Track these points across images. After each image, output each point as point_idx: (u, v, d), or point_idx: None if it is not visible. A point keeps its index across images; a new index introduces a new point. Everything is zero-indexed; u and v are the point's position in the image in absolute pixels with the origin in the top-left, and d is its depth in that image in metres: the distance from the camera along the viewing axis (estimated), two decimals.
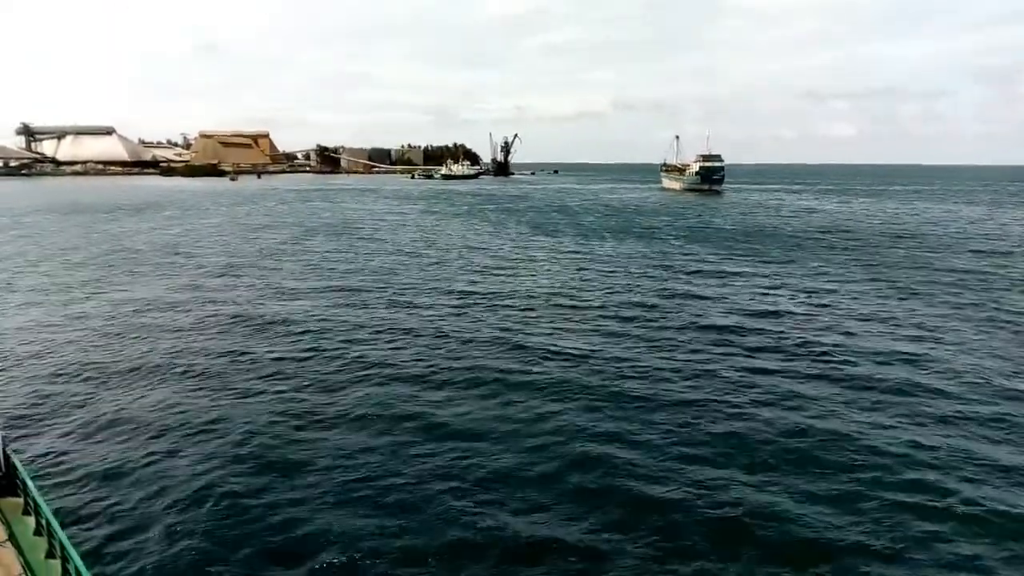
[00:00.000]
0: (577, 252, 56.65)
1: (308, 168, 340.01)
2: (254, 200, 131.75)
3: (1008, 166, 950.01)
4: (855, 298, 36.92)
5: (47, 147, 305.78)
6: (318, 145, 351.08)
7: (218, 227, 77.82)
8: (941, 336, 29.12)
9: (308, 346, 27.32)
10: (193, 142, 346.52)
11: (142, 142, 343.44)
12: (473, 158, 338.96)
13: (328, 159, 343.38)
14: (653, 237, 68.14)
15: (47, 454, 17.89)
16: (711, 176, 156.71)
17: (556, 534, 13.95)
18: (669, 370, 24.25)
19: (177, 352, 26.64)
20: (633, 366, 24.68)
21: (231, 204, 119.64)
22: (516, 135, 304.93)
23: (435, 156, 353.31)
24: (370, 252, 56.50)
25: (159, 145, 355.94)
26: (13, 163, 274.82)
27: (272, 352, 26.54)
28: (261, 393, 22.01)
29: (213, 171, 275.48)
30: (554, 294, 37.84)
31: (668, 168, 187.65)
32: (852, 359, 25.56)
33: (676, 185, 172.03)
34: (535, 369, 24.33)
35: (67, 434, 19.11)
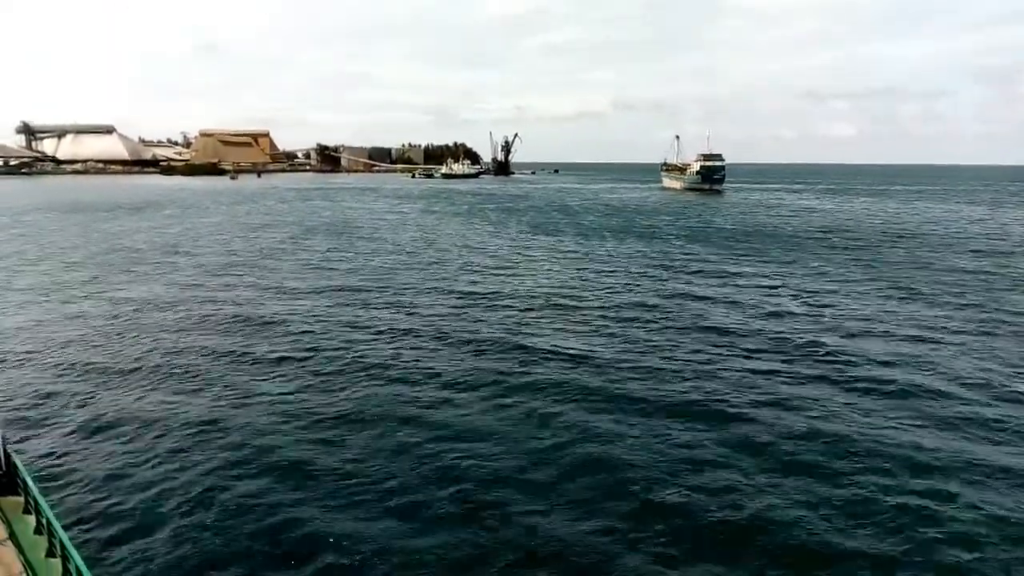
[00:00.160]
0: (578, 252, 56.60)
1: (308, 167, 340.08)
2: (254, 199, 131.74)
3: (1008, 166, 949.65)
4: (857, 298, 36.85)
5: (47, 146, 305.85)
6: (318, 144, 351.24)
7: (218, 226, 77.77)
8: (943, 337, 29.06)
9: (308, 346, 27.26)
10: (193, 141, 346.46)
11: (142, 141, 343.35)
12: (474, 157, 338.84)
13: (328, 158, 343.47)
14: (654, 237, 68.09)
15: (47, 453, 17.85)
16: (712, 176, 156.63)
17: (558, 538, 13.89)
18: (670, 371, 24.20)
19: (177, 352, 26.58)
20: (635, 367, 24.62)
21: (231, 203, 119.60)
22: (516, 134, 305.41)
23: (436, 155, 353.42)
24: (371, 251, 56.44)
25: (159, 144, 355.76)
26: (13, 162, 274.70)
27: (272, 352, 26.48)
28: (262, 393, 21.95)
29: (213, 170, 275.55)
30: (555, 294, 37.77)
31: (669, 168, 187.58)
32: (854, 360, 25.50)
33: (677, 184, 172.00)
34: (536, 370, 24.26)
35: (68, 433, 19.07)
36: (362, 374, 23.78)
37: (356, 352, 26.43)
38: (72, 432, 19.14)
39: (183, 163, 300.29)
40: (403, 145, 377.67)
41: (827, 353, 26.37)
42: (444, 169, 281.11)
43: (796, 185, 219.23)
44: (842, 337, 28.79)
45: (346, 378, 23.36)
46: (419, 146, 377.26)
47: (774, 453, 17.58)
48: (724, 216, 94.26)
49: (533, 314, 32.89)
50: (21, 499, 11.46)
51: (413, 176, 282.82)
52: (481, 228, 77.24)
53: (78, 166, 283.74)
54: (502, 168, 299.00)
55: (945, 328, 30.50)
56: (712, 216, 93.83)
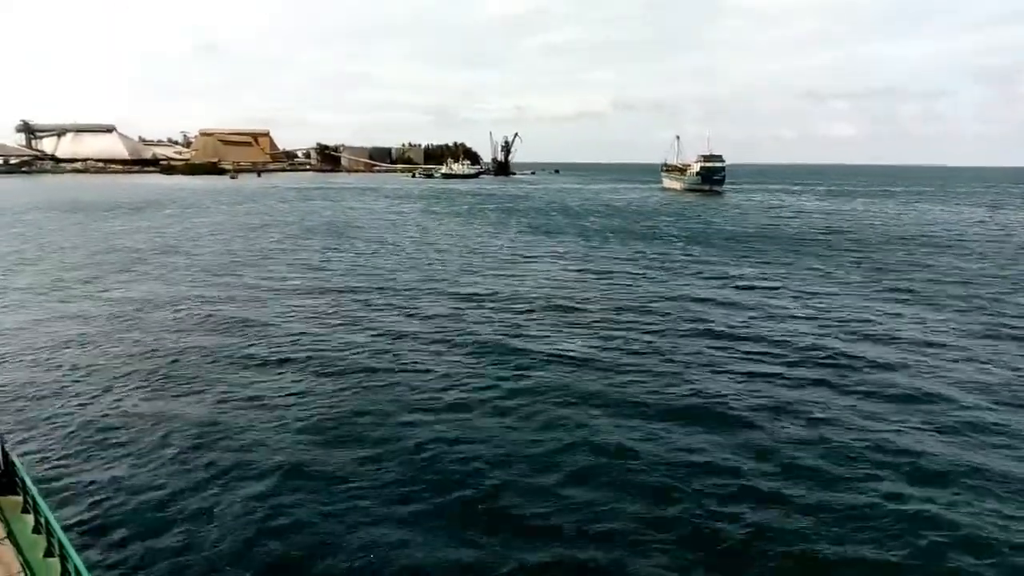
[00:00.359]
0: (579, 253, 56.52)
1: (309, 167, 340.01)
2: (254, 199, 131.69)
3: (1010, 167, 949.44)
4: (858, 301, 36.79)
5: (47, 145, 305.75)
6: (318, 144, 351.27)
7: (219, 226, 77.72)
8: (945, 340, 28.99)
9: (309, 347, 27.18)
10: (193, 140, 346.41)
11: (142, 140, 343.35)
12: (474, 157, 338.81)
13: (329, 158, 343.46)
14: (655, 238, 68.04)
15: (46, 452, 17.80)
16: (712, 176, 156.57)
17: (560, 543, 13.83)
18: (671, 374, 24.13)
19: (178, 352, 26.49)
20: (636, 370, 24.56)
21: (231, 203, 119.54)
22: (516, 134, 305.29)
23: (436, 155, 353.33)
24: (371, 252, 56.39)
25: (159, 143, 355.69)
26: (13, 160, 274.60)
27: (273, 353, 26.40)
28: (262, 395, 21.87)
29: (213, 169, 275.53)
30: (556, 295, 37.69)
31: (669, 168, 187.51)
32: (856, 364, 25.45)
33: (677, 185, 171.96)
34: (537, 373, 24.21)
35: (67, 433, 19.01)
36: (363, 375, 23.69)
37: (357, 354, 26.35)
38: (71, 432, 19.07)
39: (183, 162, 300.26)
40: (403, 145, 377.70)
41: (829, 356, 26.30)
42: (444, 169, 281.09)
43: (796, 186, 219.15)
44: (844, 340, 28.71)
45: (347, 380, 23.28)
46: (419, 146, 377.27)
47: (776, 458, 17.51)
48: (725, 217, 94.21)
49: (534, 316, 32.81)
50: (20, 499, 11.46)
51: (413, 176, 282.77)
52: (481, 229, 77.17)
53: (78, 165, 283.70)
54: (502, 168, 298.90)
55: (947, 331, 30.43)
56: (712, 217, 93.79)
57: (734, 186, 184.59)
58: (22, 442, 18.14)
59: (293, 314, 32.98)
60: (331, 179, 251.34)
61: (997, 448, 18.22)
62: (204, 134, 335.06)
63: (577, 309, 34.30)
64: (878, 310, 34.46)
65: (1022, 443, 18.58)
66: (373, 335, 29.15)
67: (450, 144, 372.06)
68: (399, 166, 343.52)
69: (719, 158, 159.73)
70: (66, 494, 15.55)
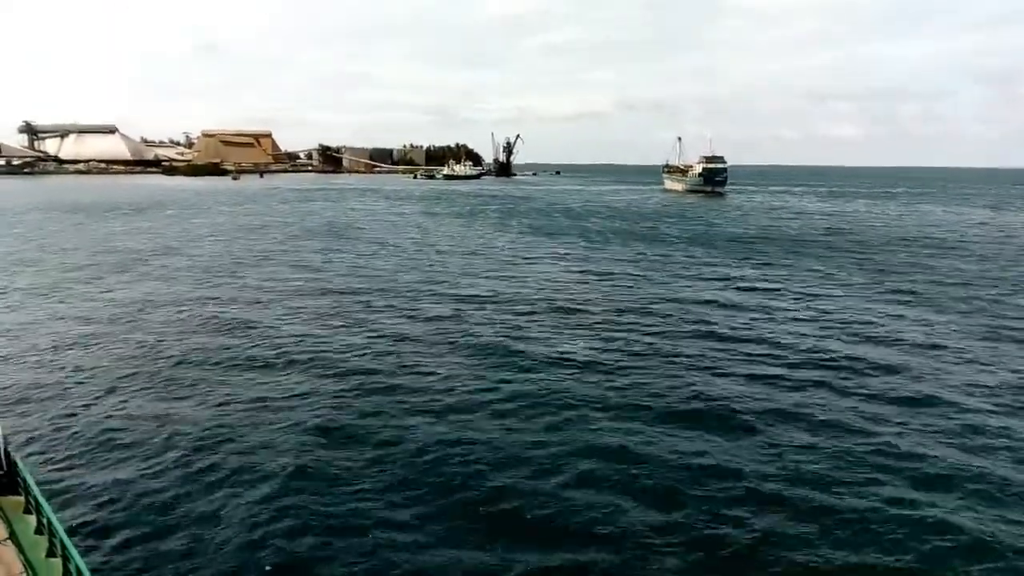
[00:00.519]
0: (580, 255, 56.51)
1: (310, 168, 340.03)
2: (256, 200, 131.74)
3: (1012, 169, 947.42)
4: (860, 303, 36.74)
5: (50, 146, 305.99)
6: (320, 145, 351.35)
7: (220, 227, 77.75)
8: (948, 344, 28.91)
9: (311, 349, 27.16)
10: (195, 141, 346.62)
11: (144, 141, 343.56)
12: (475, 158, 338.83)
13: (330, 159, 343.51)
14: (656, 239, 68.01)
15: (48, 452, 17.83)
16: (714, 178, 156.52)
17: (565, 549, 13.79)
18: (673, 378, 24.08)
19: (180, 353, 26.46)
20: (638, 372, 24.53)
21: (233, 204, 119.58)
22: (518, 136, 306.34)
23: (437, 156, 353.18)
24: (372, 254, 56.38)
25: (161, 144, 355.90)
26: (16, 162, 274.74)
27: (275, 356, 26.38)
28: (264, 397, 21.84)
29: (215, 170, 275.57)
30: (558, 298, 37.67)
31: (670, 169, 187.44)
32: (859, 368, 25.38)
33: (678, 186, 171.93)
34: (538, 376, 24.17)
35: (69, 434, 19.00)
36: (365, 378, 23.65)
37: (359, 356, 26.33)
38: (74, 433, 19.06)
39: (185, 163, 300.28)
40: (405, 146, 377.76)
41: (831, 359, 26.25)
42: (446, 170, 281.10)
43: (798, 187, 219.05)
44: (846, 342, 28.68)
45: (349, 382, 23.25)
46: (420, 147, 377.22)
47: (778, 461, 17.45)
48: (727, 219, 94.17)
49: (536, 317, 32.78)
50: (22, 499, 11.47)
51: (415, 177, 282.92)
52: (483, 230, 77.19)
53: (80, 166, 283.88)
54: (503, 169, 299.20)
55: (950, 333, 30.37)
56: (715, 219, 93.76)
57: (736, 187, 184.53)
58: (25, 443, 18.13)
59: (295, 316, 32.97)
60: (332, 180, 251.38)
61: (1000, 451, 18.16)
62: (206, 135, 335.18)
63: (579, 311, 34.26)
64: (880, 312, 34.42)
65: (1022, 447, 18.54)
66: (375, 337, 29.14)
67: (451, 145, 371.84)
68: (400, 167, 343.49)
69: (721, 159, 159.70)
70: (68, 495, 15.52)
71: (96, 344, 28.07)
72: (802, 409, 20.99)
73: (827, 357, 26.43)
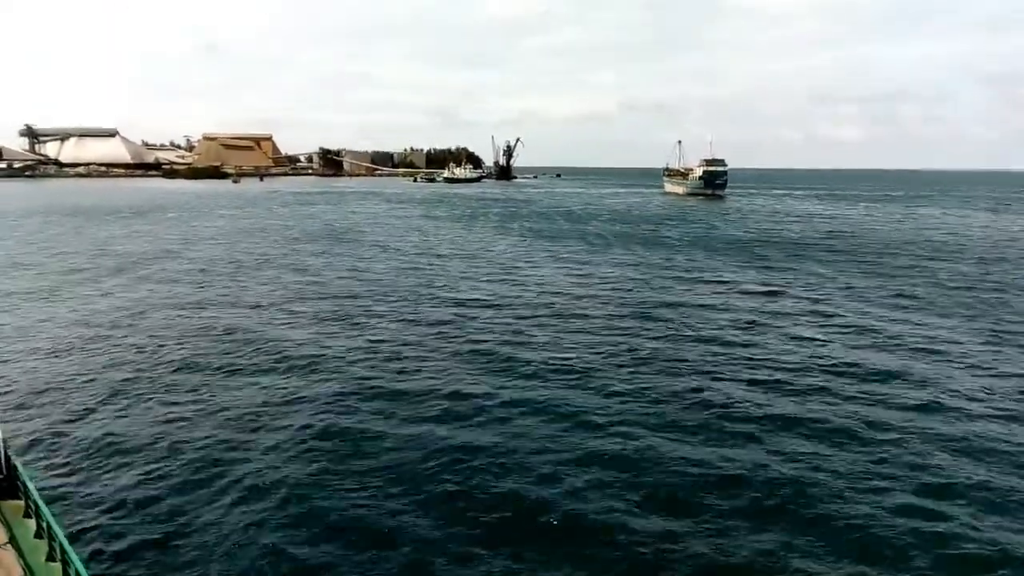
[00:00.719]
0: (581, 259, 56.49)
1: (310, 171, 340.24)
2: (256, 203, 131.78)
3: (1014, 171, 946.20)
4: (861, 307, 36.64)
5: (50, 149, 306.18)
6: (320, 148, 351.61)
7: (221, 231, 77.78)
8: (950, 349, 28.81)
9: (311, 354, 27.07)
10: (196, 144, 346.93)
11: (145, 144, 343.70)
12: (475, 161, 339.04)
13: (330, 162, 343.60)
14: (657, 243, 67.95)
15: (48, 457, 17.81)
16: (714, 181, 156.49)
17: (564, 561, 13.71)
18: (674, 384, 24.00)
19: (180, 358, 26.41)
20: (638, 378, 24.46)
21: (234, 207, 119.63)
22: (519, 139, 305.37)
23: (438, 159, 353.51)
24: (373, 258, 56.37)
25: (162, 147, 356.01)
26: (17, 165, 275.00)
27: (276, 360, 26.32)
28: (264, 402, 21.77)
29: (216, 173, 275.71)
30: (558, 303, 37.62)
31: (671, 172, 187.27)
32: (860, 373, 25.28)
33: (679, 189, 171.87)
34: (540, 381, 24.11)
35: (69, 437, 18.98)
36: (366, 383, 23.57)
37: (361, 361, 26.26)
38: (74, 436, 19.06)
39: (186, 167, 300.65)
40: (405, 149, 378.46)
41: (834, 364, 26.17)
42: (446, 173, 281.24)
43: (799, 190, 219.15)
44: (848, 347, 28.59)
45: (352, 387, 23.14)
46: (421, 150, 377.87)
47: (780, 470, 17.31)
48: (727, 222, 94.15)
49: (537, 322, 32.67)
50: (22, 503, 11.49)
51: (415, 180, 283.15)
52: (483, 233, 77.20)
53: (81, 169, 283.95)
54: (504, 172, 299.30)
55: (953, 338, 30.25)
56: (715, 222, 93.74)
57: (736, 190, 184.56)
58: (24, 448, 18.05)
59: (296, 320, 32.90)
60: (333, 183, 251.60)
61: (1004, 458, 18.04)
62: (207, 138, 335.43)
63: (580, 315, 34.18)
64: (882, 316, 34.32)
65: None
66: (376, 341, 29.06)
67: (452, 148, 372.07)
68: (401, 170, 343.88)
69: (721, 162, 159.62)
70: (68, 500, 15.50)
71: (96, 348, 28.00)
72: (805, 415, 20.89)
73: (829, 363, 26.34)
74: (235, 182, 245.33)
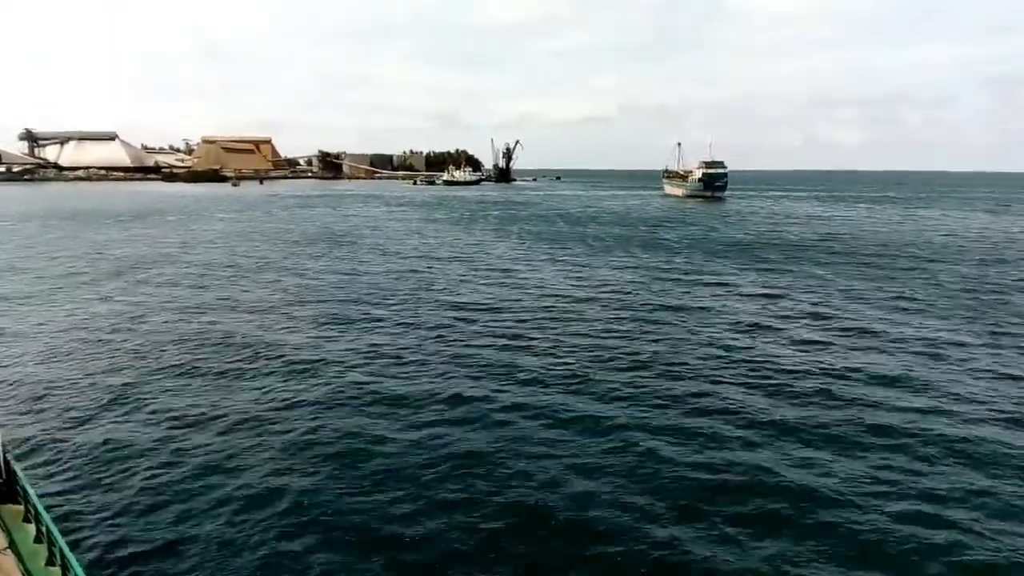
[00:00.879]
0: (579, 262, 56.48)
1: (310, 174, 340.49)
2: (256, 206, 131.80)
3: (1015, 173, 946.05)
4: (863, 309, 36.59)
5: (50, 152, 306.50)
6: (320, 151, 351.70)
7: (220, 234, 77.76)
8: (950, 354, 28.76)
9: (311, 359, 27.05)
10: (195, 147, 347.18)
11: (144, 147, 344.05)
12: (475, 164, 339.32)
13: (330, 165, 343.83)
14: (656, 246, 67.94)
15: (47, 462, 17.78)
16: (714, 183, 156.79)
17: (562, 567, 13.60)
18: (670, 390, 23.94)
19: (180, 363, 26.37)
20: (636, 383, 24.43)
21: (233, 211, 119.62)
22: (518, 141, 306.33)
23: (437, 162, 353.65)
24: (372, 261, 56.34)
25: (161, 151, 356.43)
26: (16, 168, 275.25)
27: (275, 365, 26.28)
28: (263, 408, 21.72)
29: (215, 177, 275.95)
30: (558, 307, 37.61)
31: (670, 175, 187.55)
32: (864, 379, 25.22)
33: (678, 191, 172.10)
34: (538, 387, 24.09)
35: (68, 442, 18.95)
36: (367, 389, 23.52)
37: (360, 366, 26.24)
38: (73, 441, 19.02)
39: (185, 170, 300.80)
40: (405, 152, 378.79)
41: (834, 368, 26.14)
42: (446, 176, 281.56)
43: (799, 192, 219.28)
44: (848, 351, 28.58)
45: (353, 393, 23.11)
46: (421, 153, 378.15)
47: (779, 475, 17.26)
48: (727, 224, 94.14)
49: (536, 327, 32.63)
50: (21, 508, 11.46)
51: (415, 183, 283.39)
52: (483, 237, 77.20)
53: (80, 173, 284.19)
54: (503, 175, 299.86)
55: (953, 342, 30.18)
56: (715, 224, 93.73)
57: (737, 192, 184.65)
58: (24, 453, 18.01)
59: (296, 324, 32.86)
60: (333, 186, 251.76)
61: (1005, 463, 17.96)
62: (206, 141, 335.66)
63: (578, 319, 34.15)
64: (882, 319, 34.27)
65: None
66: (375, 345, 29.03)
67: (452, 151, 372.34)
68: (400, 173, 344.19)
69: (721, 164, 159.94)
70: (68, 503, 15.51)
71: (96, 352, 27.95)
72: (806, 420, 20.85)
73: (830, 366, 26.32)
74: (234, 185, 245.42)
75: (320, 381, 24.29)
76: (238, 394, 23.06)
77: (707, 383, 24.20)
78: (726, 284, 44.64)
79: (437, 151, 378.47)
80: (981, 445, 18.93)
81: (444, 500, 15.89)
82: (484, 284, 44.44)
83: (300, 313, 35.46)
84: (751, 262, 55.53)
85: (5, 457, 11.86)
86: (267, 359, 27.03)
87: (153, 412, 21.38)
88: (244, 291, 41.76)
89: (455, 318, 34.22)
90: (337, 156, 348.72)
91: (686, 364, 26.45)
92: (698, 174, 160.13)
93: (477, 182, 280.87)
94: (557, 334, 31.00)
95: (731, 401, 22.37)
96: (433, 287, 43.20)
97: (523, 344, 29.29)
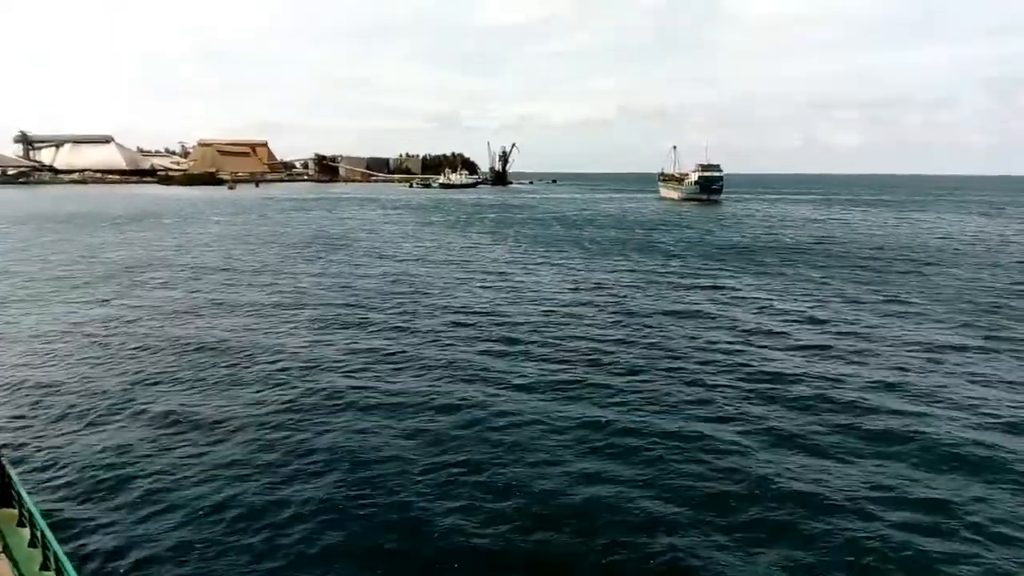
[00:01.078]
0: (574, 265, 56.42)
1: (306, 176, 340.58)
2: (251, 210, 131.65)
3: (1015, 176, 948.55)
4: (860, 314, 36.61)
5: (45, 155, 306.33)
6: (316, 154, 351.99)
7: (216, 238, 77.61)
8: (949, 358, 28.77)
9: (306, 363, 26.96)
10: (191, 151, 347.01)
11: (140, 150, 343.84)
12: (471, 167, 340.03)
13: (326, 168, 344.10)
14: (652, 249, 67.96)
15: (42, 466, 17.70)
16: (710, 186, 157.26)
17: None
18: (665, 395, 23.90)
19: (177, 367, 26.22)
20: (632, 389, 24.40)
21: (229, 213, 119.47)
22: (514, 144, 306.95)
23: (433, 165, 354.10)
24: (369, 265, 56.26)
25: (157, 154, 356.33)
26: (11, 171, 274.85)
27: (272, 370, 26.18)
28: (260, 413, 21.60)
29: (211, 180, 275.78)
30: (554, 311, 37.52)
31: (666, 178, 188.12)
32: (861, 384, 25.18)
33: (674, 195, 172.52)
34: (534, 393, 24.01)
35: (62, 446, 18.86)
36: (361, 392, 23.44)
37: (356, 371, 26.14)
38: (68, 445, 18.94)
39: (181, 173, 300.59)
40: (401, 155, 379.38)
41: (832, 373, 26.13)
42: (442, 179, 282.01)
43: (795, 195, 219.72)
44: (845, 354, 28.54)
45: (346, 399, 23.01)
46: (417, 156, 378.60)
47: (774, 485, 17.19)
48: (723, 227, 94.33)
49: (531, 329, 32.54)
50: (15, 511, 11.36)
51: (411, 186, 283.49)
52: (479, 240, 77.18)
53: (76, 176, 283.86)
54: (500, 178, 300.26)
55: (949, 345, 30.21)
56: (711, 227, 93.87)
57: (733, 196, 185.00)
58: (18, 458, 17.89)
59: (292, 329, 32.75)
60: (329, 189, 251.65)
61: (1002, 470, 17.97)
62: (202, 144, 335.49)
63: (573, 322, 34.08)
64: (877, 324, 34.30)
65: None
66: (371, 350, 28.93)
67: (448, 154, 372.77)
68: (396, 176, 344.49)
69: (716, 167, 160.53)
70: (63, 507, 15.44)
71: (90, 356, 27.81)
72: (805, 426, 20.77)
73: (827, 371, 26.27)
74: (231, 188, 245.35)
75: (318, 386, 24.18)
76: (234, 399, 22.96)
77: (704, 388, 24.16)
78: (722, 288, 44.66)
79: (434, 154, 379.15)
80: (979, 450, 18.89)
81: (442, 507, 15.80)
82: (480, 288, 44.41)
83: (296, 317, 35.37)
84: (747, 265, 55.59)
85: (0, 461, 11.79)
86: (262, 363, 26.94)
87: (149, 416, 21.26)
88: (240, 295, 41.66)
89: (451, 322, 34.17)
90: (333, 159, 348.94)
91: (683, 369, 26.43)
92: (694, 177, 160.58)
93: (474, 185, 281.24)
94: (553, 338, 30.96)
95: (728, 406, 22.33)
96: (429, 291, 43.16)
97: (520, 349, 29.24)
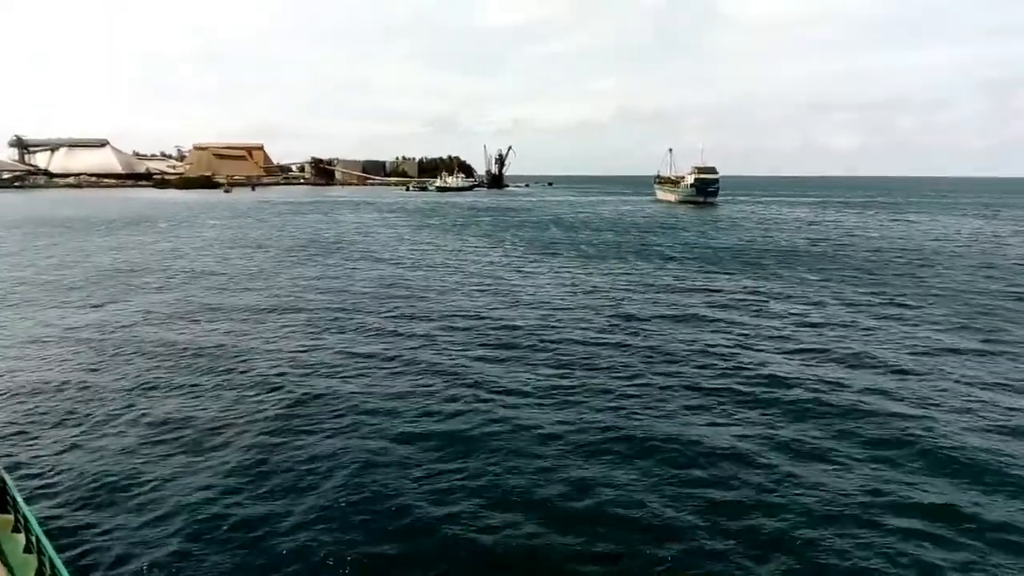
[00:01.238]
0: (570, 268, 56.43)
1: (302, 180, 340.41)
2: (248, 213, 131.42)
3: (1013, 178, 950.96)
4: (858, 318, 36.64)
5: (40, 159, 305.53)
6: (312, 157, 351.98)
7: (211, 241, 77.44)
8: (948, 362, 28.80)
9: (305, 366, 26.88)
10: (187, 154, 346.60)
11: (136, 154, 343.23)
12: (467, 170, 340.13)
13: (322, 171, 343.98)
14: (648, 252, 67.98)
15: (38, 471, 17.61)
16: (706, 188, 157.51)
17: None
18: (660, 402, 23.87)
19: (174, 370, 26.12)
20: (627, 394, 24.35)
21: (225, 217, 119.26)
22: (510, 147, 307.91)
23: (429, 168, 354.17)
24: (365, 269, 56.17)
25: (153, 157, 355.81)
26: (6, 175, 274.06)
27: (270, 376, 26.08)
28: (258, 420, 21.53)
29: (207, 183, 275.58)
30: (551, 314, 37.48)
31: (662, 180, 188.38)
32: (860, 388, 25.20)
33: (670, 197, 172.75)
34: (532, 400, 23.95)
35: (58, 452, 18.77)
36: (357, 396, 23.37)
37: (354, 376, 26.08)
38: (63, 451, 18.85)
39: (177, 176, 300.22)
40: (397, 158, 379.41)
41: (830, 378, 26.12)
42: (438, 182, 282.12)
43: (792, 198, 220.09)
44: (843, 358, 28.55)
45: (343, 405, 22.93)
46: (413, 159, 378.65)
47: (771, 495, 17.19)
48: (719, 229, 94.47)
49: (527, 332, 32.49)
50: (11, 517, 11.32)
51: (407, 189, 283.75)
52: (475, 243, 77.14)
53: (71, 180, 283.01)
54: (496, 181, 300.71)
55: (947, 348, 30.26)
56: (707, 230, 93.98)
57: (729, 198, 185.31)
58: (12, 463, 17.80)
59: (290, 333, 32.66)
60: (325, 192, 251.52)
61: (999, 475, 17.96)
62: (198, 148, 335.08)
63: (568, 326, 34.04)
64: (874, 327, 34.32)
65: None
66: (367, 355, 28.85)
67: (444, 157, 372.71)
68: (393, 179, 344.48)
69: (712, 170, 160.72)
70: (58, 513, 15.35)
71: (86, 361, 27.68)
72: (803, 431, 20.78)
73: (825, 375, 26.27)
74: (227, 192, 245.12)
75: (315, 391, 24.06)
76: (231, 404, 22.85)
77: (701, 392, 24.13)
78: (719, 290, 44.65)
79: (430, 157, 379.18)
80: (979, 454, 18.87)
81: (441, 512, 15.74)
82: (477, 291, 44.35)
83: (293, 321, 35.27)
84: (742, 267, 55.63)
85: None
86: (259, 368, 26.83)
87: (145, 422, 21.14)
88: (236, 299, 41.53)
89: (448, 326, 34.10)
90: (329, 162, 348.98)
91: (680, 372, 26.39)
92: (690, 180, 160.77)
93: (470, 188, 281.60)
94: (550, 341, 30.92)
95: (726, 410, 22.32)
96: (425, 295, 43.08)
97: (517, 352, 29.18)
